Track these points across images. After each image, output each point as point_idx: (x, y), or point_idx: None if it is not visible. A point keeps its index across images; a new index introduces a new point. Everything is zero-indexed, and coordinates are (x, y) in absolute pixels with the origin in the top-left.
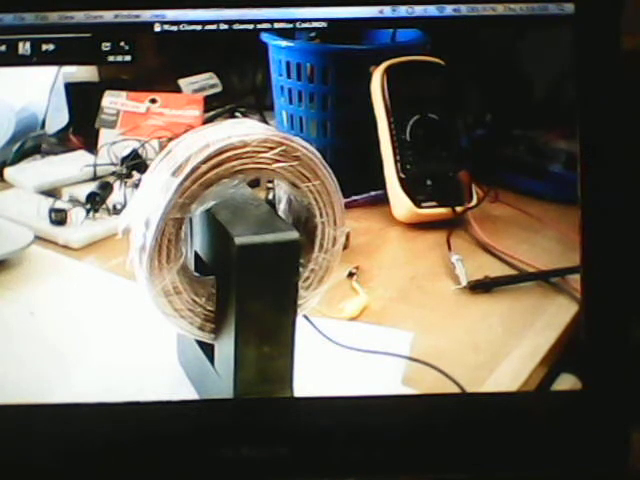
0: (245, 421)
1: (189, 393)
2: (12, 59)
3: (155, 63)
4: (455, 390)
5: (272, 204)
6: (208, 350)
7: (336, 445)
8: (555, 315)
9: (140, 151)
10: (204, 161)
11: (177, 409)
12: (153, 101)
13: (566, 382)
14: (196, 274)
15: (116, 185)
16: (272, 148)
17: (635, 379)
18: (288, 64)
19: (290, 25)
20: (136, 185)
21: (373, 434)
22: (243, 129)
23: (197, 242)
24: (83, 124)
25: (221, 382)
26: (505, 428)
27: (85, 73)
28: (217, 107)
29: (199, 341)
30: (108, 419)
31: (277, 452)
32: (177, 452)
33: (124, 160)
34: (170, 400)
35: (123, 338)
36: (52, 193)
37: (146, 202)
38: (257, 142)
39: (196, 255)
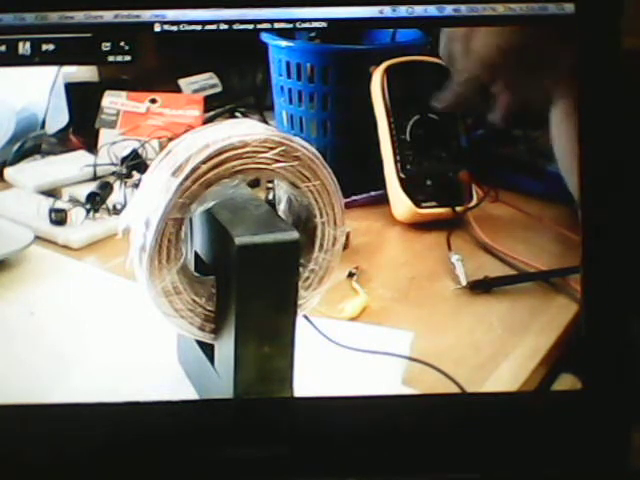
0: (245, 421)
1: (189, 393)
2: (12, 59)
3: (155, 63)
4: (455, 390)
5: (272, 204)
6: (208, 350)
7: (336, 445)
8: (555, 315)
9: (140, 151)
10: (204, 161)
11: (177, 409)
12: (153, 101)
13: (566, 382)
14: (196, 274)
15: (116, 185)
16: (272, 148)
17: (635, 379)
18: (288, 64)
19: (290, 25)
20: (136, 185)
21: (373, 434)
22: (243, 129)
23: (197, 242)
24: (83, 124)
25: (221, 382)
26: (505, 428)
27: (85, 73)
28: (217, 107)
29: (199, 341)
30: (108, 419)
31: (277, 452)
32: (177, 452)
33: (124, 160)
34: (170, 400)
35: (123, 338)
36: (52, 193)
37: (146, 202)
38: (257, 142)
39: (196, 255)
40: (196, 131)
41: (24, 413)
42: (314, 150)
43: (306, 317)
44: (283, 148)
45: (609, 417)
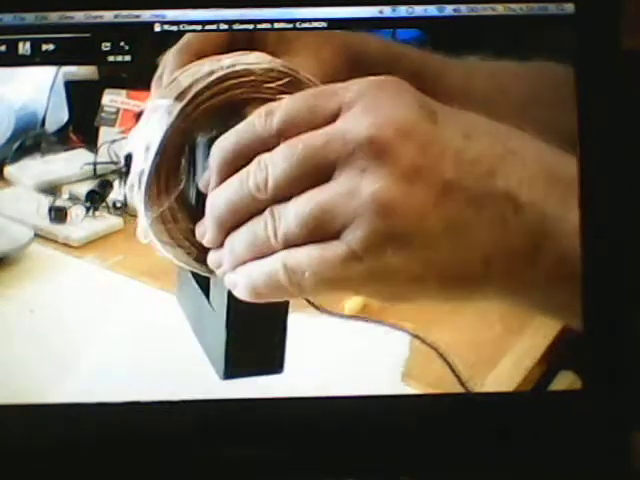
0: (245, 421)
1: (189, 393)
2: (12, 59)
3: (155, 62)
4: (455, 385)
5: None
6: (204, 284)
7: (336, 445)
8: None
9: None
10: (207, 87)
11: (177, 409)
12: None
13: (565, 379)
14: (195, 205)
15: (116, 183)
16: (278, 78)
17: (635, 378)
18: None
19: (290, 25)
20: None
21: (373, 434)
22: (250, 59)
23: (198, 173)
24: (83, 122)
25: (215, 316)
26: (505, 428)
27: (85, 71)
28: None
29: (196, 276)
30: (108, 419)
31: (277, 452)
32: (177, 452)
33: (124, 158)
34: (170, 400)
35: (123, 336)
36: (52, 191)
37: (147, 127)
38: (262, 71)
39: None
40: (201, 61)
41: (23, 412)
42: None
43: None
44: (289, 79)
45: (609, 417)
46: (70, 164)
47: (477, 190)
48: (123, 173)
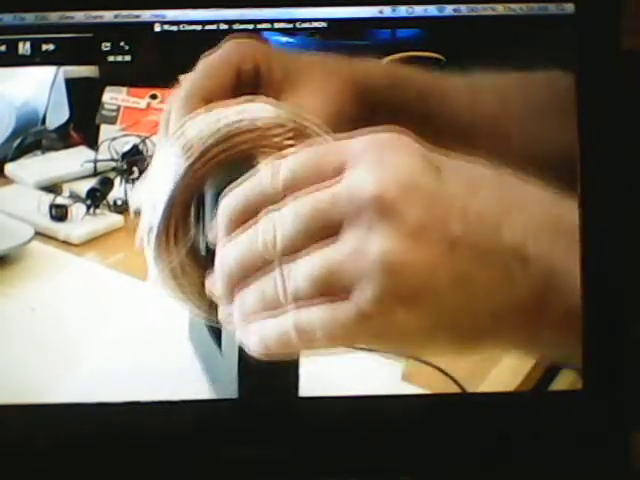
0: (245, 421)
1: (189, 393)
2: (12, 59)
3: (155, 62)
4: (455, 386)
5: None
6: (216, 331)
7: (336, 445)
8: None
9: (141, 147)
10: (214, 144)
11: (177, 409)
12: (154, 97)
13: (566, 379)
14: (205, 256)
15: (116, 181)
16: (284, 129)
17: (635, 378)
18: None
19: (290, 25)
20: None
21: (373, 434)
22: (256, 109)
23: (207, 224)
24: (84, 120)
25: (226, 363)
26: (505, 428)
27: (85, 69)
28: None
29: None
30: (108, 419)
31: (277, 452)
32: (177, 452)
33: (125, 156)
34: (170, 400)
35: (124, 334)
36: (52, 189)
37: (156, 182)
38: (268, 124)
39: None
40: (208, 110)
41: (23, 412)
42: (328, 130)
43: None
44: (295, 129)
45: (609, 417)
46: (71, 162)
47: (484, 245)
48: (123, 171)
